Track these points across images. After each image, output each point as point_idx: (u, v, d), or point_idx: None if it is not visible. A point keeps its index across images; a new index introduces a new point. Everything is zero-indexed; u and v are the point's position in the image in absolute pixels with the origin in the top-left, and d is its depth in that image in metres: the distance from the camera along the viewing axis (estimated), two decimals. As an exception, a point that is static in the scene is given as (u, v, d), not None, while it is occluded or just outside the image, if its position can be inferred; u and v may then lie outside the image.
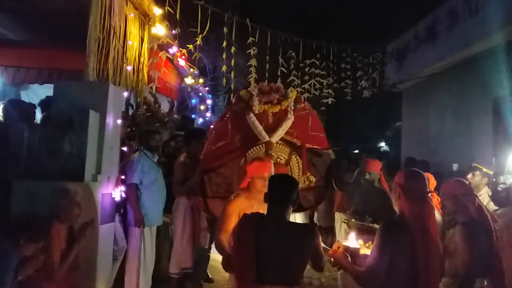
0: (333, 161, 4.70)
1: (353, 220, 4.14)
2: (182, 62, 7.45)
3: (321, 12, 13.84)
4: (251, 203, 3.34)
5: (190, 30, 6.51)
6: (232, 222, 3.11)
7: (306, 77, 9.32)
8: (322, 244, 2.74)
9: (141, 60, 5.27)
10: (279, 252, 2.53)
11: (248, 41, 7.47)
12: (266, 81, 5.35)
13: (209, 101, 10.38)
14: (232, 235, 2.79)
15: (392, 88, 11.23)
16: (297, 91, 5.21)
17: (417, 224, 2.49)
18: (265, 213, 2.75)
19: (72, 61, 5.01)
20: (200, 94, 9.80)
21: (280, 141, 4.28)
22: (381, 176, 5.03)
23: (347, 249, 2.81)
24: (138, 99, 5.80)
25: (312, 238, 2.64)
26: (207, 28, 6.39)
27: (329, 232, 7.01)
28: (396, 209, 2.66)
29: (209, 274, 5.98)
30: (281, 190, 2.69)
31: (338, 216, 6.76)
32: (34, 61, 5.68)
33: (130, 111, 6.11)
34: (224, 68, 7.49)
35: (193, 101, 9.41)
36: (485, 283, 2.87)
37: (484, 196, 4.53)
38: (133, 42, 5.07)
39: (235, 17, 7.23)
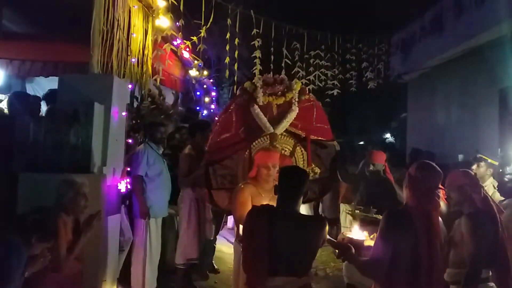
0: (338, 153, 4.69)
1: (357, 211, 4.13)
2: (186, 54, 7.43)
3: (326, 2, 13.74)
4: (258, 191, 3.50)
5: (194, 22, 6.48)
6: (248, 207, 3.11)
7: (311, 69, 9.30)
8: (327, 236, 2.74)
9: (145, 52, 5.26)
10: (290, 244, 2.54)
11: (252, 33, 7.44)
12: (271, 72, 5.32)
13: (213, 93, 10.37)
14: (243, 227, 2.79)
15: (397, 79, 11.13)
16: (301, 82, 5.17)
17: (420, 217, 2.48)
18: (273, 203, 2.76)
19: (77, 54, 5.00)
20: (205, 86, 9.79)
21: (284, 133, 4.27)
22: (386, 168, 5.04)
23: (351, 241, 2.82)
24: (143, 91, 5.82)
25: (322, 229, 2.65)
26: (211, 20, 6.37)
27: (334, 223, 7.02)
28: (403, 198, 2.67)
29: (214, 265, 6.03)
30: (292, 182, 2.68)
31: (343, 207, 6.78)
32: (39, 54, 5.68)
33: (135, 104, 6.13)
34: (227, 60, 7.47)
35: (198, 93, 9.39)
36: (491, 273, 2.87)
37: (489, 187, 4.52)
38: (137, 34, 5.07)
39: (239, 8, 7.19)
